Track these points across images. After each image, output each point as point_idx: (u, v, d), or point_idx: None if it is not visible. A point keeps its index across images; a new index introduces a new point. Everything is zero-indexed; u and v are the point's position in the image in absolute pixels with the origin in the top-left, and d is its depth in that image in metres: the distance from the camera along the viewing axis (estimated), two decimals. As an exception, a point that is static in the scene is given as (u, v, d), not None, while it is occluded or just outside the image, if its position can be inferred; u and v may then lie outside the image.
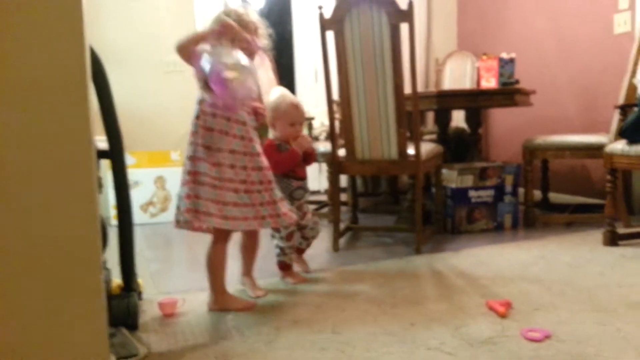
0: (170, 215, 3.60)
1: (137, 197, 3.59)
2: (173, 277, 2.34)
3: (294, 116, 2.13)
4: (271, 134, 2.16)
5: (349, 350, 1.49)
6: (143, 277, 2.20)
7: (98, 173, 1.53)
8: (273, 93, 3.60)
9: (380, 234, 3.00)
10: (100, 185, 1.55)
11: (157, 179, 3.62)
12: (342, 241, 2.78)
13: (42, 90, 1.18)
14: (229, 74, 1.65)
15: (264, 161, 1.83)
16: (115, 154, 1.67)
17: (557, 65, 3.92)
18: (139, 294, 1.92)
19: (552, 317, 1.67)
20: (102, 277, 1.29)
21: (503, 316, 1.68)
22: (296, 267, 2.24)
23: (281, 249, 2.13)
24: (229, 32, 1.73)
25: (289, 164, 2.12)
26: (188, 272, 2.41)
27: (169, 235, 3.27)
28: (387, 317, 1.74)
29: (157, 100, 4.23)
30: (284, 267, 2.17)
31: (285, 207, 1.85)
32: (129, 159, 3.59)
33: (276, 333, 1.64)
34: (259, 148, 1.83)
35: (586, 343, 1.47)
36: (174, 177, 3.61)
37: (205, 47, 1.73)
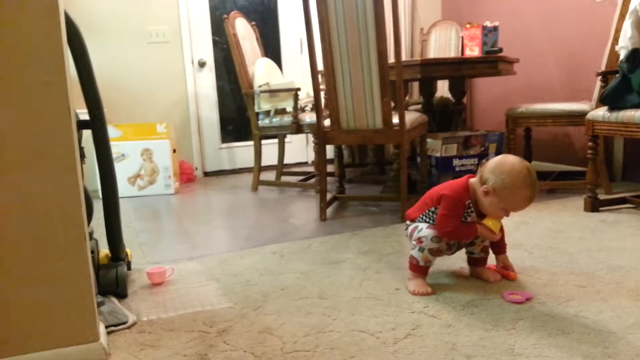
0: (158, 187, 3.63)
1: (124, 169, 3.58)
2: (162, 248, 2.35)
3: (518, 208, 1.64)
4: (476, 184, 1.65)
5: (334, 314, 1.53)
6: (132, 248, 2.22)
7: (80, 143, 1.53)
8: (258, 63, 3.58)
9: (366, 204, 3.03)
10: (82, 156, 1.54)
11: (143, 152, 3.60)
12: (329, 211, 2.80)
13: (15, 57, 1.17)
14: None
15: None
16: (96, 122, 1.65)
17: (540, 34, 3.92)
18: (128, 263, 1.94)
19: (534, 280, 1.72)
20: (87, 245, 1.30)
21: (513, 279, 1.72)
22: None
23: None
24: None
25: (457, 236, 1.67)
26: (177, 243, 2.43)
27: (157, 207, 3.28)
28: (372, 282, 1.77)
29: (141, 72, 4.18)
30: None
31: None
32: (115, 132, 3.56)
33: (264, 300, 1.67)
34: None
35: (566, 304, 1.52)
36: (161, 150, 3.60)
37: None
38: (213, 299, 1.71)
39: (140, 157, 3.61)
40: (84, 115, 1.65)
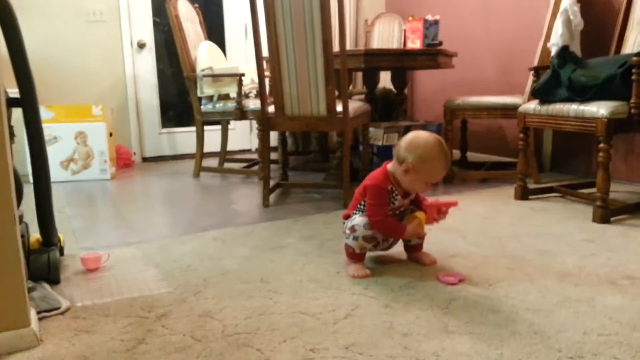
0: (93, 172, 3.49)
1: (57, 153, 3.42)
2: (97, 234, 2.27)
3: (437, 178, 1.69)
4: (394, 167, 1.71)
5: (276, 297, 1.54)
6: (65, 234, 2.14)
7: (9, 122, 1.45)
8: (201, 47, 3.50)
9: (309, 191, 3.05)
10: (11, 135, 1.46)
11: (77, 134, 3.45)
12: (272, 198, 2.80)
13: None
14: None
15: None
16: (27, 101, 1.57)
17: (478, 30, 4.07)
18: (61, 249, 1.86)
19: (466, 263, 1.80)
20: (17, 229, 1.24)
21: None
22: None
23: None
24: None
25: (386, 229, 1.71)
26: (113, 229, 2.35)
27: (92, 192, 3.16)
28: (314, 266, 1.79)
29: (77, 51, 3.99)
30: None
31: None
32: (47, 113, 3.40)
33: (204, 284, 1.65)
34: None
35: (496, 285, 1.60)
36: (96, 133, 3.46)
37: None
38: (151, 284, 1.67)
39: (73, 140, 3.46)
40: (15, 95, 1.56)
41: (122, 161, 4.03)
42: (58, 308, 1.45)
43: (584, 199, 2.62)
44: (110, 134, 3.60)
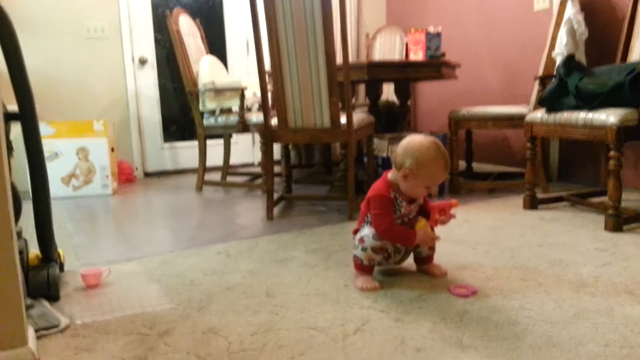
0: (94, 187, 3.45)
1: (58, 168, 3.39)
2: (98, 250, 2.23)
3: (437, 181, 1.66)
4: (394, 174, 1.67)
5: (282, 312, 1.49)
6: (66, 250, 2.09)
7: (7, 136, 1.42)
8: (203, 61, 3.49)
9: (313, 203, 3.00)
10: (10, 149, 1.43)
11: (79, 150, 3.42)
12: (276, 210, 2.76)
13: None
14: None
15: None
16: (25, 115, 1.53)
17: (481, 41, 4.05)
18: (60, 265, 1.81)
19: (478, 275, 1.74)
20: (15, 244, 1.19)
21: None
22: None
23: None
24: None
25: (396, 236, 1.66)
26: (114, 245, 2.31)
27: (93, 208, 3.12)
28: (321, 279, 1.74)
29: (78, 68, 3.98)
30: None
31: None
32: (48, 129, 3.37)
33: (208, 300, 1.60)
34: None
35: (510, 297, 1.54)
36: (97, 149, 3.44)
37: None
38: (153, 300, 1.62)
39: (75, 155, 3.42)
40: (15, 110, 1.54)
41: (124, 176, 3.99)
42: (57, 325, 1.40)
43: (595, 207, 2.57)
44: (112, 149, 3.57)
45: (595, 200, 2.66)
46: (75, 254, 2.14)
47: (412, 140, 1.64)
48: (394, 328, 1.36)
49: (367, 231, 1.67)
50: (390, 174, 1.69)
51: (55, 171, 3.36)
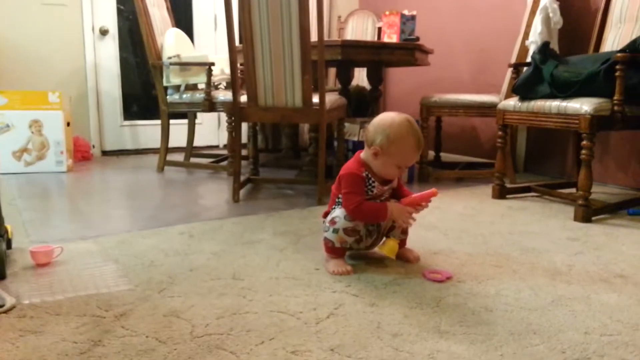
0: (48, 164, 3.25)
1: (9, 142, 3.18)
2: (49, 227, 2.07)
3: (409, 160, 1.60)
4: (365, 153, 1.61)
5: (250, 294, 1.40)
6: (15, 226, 1.94)
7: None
8: (168, 34, 3.32)
9: (281, 186, 2.91)
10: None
11: (32, 123, 3.21)
12: (242, 193, 2.66)
13: None
14: None
15: None
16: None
17: (454, 28, 4.02)
18: (8, 241, 1.67)
19: (452, 260, 1.70)
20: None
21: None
22: None
23: None
24: None
25: (367, 214, 1.57)
26: (68, 222, 2.16)
27: (46, 185, 2.93)
28: (290, 262, 1.66)
29: (34, 35, 3.74)
30: None
31: None
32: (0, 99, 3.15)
33: (169, 281, 1.50)
34: None
35: (486, 283, 1.50)
36: (52, 121, 3.24)
37: None
38: (110, 280, 1.51)
39: (28, 128, 3.21)
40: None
41: (80, 154, 3.79)
42: (2, 306, 1.27)
43: (564, 198, 2.58)
44: (68, 124, 3.37)
45: (564, 191, 2.67)
46: (24, 231, 1.99)
47: (384, 117, 1.57)
48: (369, 313, 1.29)
49: (338, 212, 1.59)
50: (362, 154, 1.62)
51: (6, 145, 3.15)
